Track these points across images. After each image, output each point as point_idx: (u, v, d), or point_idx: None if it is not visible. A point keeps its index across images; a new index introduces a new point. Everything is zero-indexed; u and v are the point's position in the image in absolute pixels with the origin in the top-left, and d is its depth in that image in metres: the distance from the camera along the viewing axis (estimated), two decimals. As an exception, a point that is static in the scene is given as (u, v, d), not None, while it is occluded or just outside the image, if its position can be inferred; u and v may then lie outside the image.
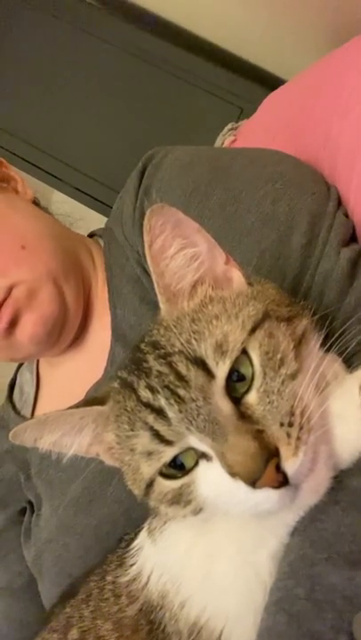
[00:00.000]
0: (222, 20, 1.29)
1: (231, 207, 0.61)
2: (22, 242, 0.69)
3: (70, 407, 0.48)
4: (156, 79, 1.41)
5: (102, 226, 0.86)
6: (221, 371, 0.41)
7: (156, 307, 0.48)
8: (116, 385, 0.47)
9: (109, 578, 0.52)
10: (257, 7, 1.15)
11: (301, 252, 0.57)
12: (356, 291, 0.55)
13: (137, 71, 1.42)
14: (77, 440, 0.48)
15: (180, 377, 0.41)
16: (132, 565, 0.50)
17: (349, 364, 0.48)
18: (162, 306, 0.46)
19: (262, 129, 0.97)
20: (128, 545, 0.53)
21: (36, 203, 0.83)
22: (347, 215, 0.63)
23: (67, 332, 0.73)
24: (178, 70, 1.39)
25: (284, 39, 1.19)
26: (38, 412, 0.79)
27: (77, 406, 0.49)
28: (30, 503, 0.74)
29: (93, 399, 0.49)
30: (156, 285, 0.45)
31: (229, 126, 1.16)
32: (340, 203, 0.63)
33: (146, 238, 0.43)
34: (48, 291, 0.69)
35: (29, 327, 0.68)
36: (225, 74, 1.37)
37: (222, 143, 1.14)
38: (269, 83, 1.27)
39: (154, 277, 0.45)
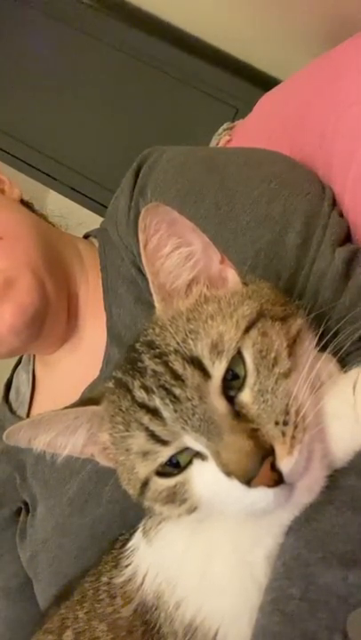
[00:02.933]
0: (218, 20, 1.29)
1: (226, 207, 0.61)
2: (1, 233, 0.69)
3: (65, 407, 0.48)
4: (152, 79, 1.41)
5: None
6: (218, 370, 0.41)
7: (151, 307, 0.48)
8: (110, 385, 0.47)
9: (104, 579, 0.52)
10: (253, 7, 1.15)
11: (296, 252, 0.57)
12: (351, 291, 0.55)
13: (133, 71, 1.42)
14: (72, 440, 0.48)
15: (175, 376, 0.40)
16: (127, 566, 0.50)
17: (344, 364, 0.48)
18: (157, 305, 0.46)
19: (257, 129, 0.97)
20: (123, 546, 0.53)
21: (28, 205, 0.83)
22: (342, 215, 0.63)
23: (49, 325, 0.71)
24: (173, 70, 1.39)
25: (280, 39, 1.19)
26: (34, 412, 0.79)
27: (72, 406, 0.48)
28: (25, 503, 0.74)
29: (88, 399, 0.49)
30: (151, 284, 0.45)
31: (225, 126, 1.16)
32: (334, 203, 0.64)
33: (141, 237, 0.43)
34: (26, 280, 0.67)
35: (7, 317, 0.67)
36: (221, 74, 1.37)
37: (218, 143, 1.14)
38: (265, 83, 1.27)
39: (149, 276, 0.45)
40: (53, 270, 0.71)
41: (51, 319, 0.71)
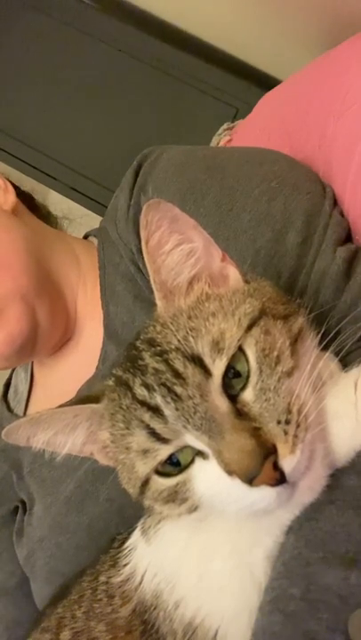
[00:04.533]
0: (218, 20, 1.29)
1: (227, 206, 0.61)
2: None
3: (62, 405, 0.48)
4: (153, 79, 1.41)
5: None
6: (218, 368, 0.40)
7: (150, 304, 0.48)
8: (110, 383, 0.47)
9: (102, 578, 0.51)
10: (253, 7, 1.15)
11: (297, 251, 0.57)
12: (352, 290, 0.55)
13: (133, 71, 1.42)
14: (71, 438, 0.47)
15: (176, 374, 0.40)
16: (125, 565, 0.50)
17: (345, 363, 0.48)
18: (158, 302, 0.46)
19: (258, 129, 0.97)
20: (121, 545, 0.53)
21: (28, 199, 0.82)
22: (342, 214, 0.63)
23: (41, 344, 0.72)
24: (174, 70, 1.39)
25: (280, 39, 1.19)
26: (31, 410, 0.79)
27: (70, 404, 0.48)
28: (22, 502, 0.73)
29: (87, 397, 0.48)
30: (152, 282, 0.45)
31: (225, 126, 1.16)
32: (335, 202, 0.64)
33: (142, 233, 0.43)
34: (16, 309, 0.67)
35: None
36: (221, 74, 1.37)
37: (218, 143, 1.14)
38: (265, 83, 1.27)
39: (150, 273, 0.44)
40: (45, 291, 0.71)
41: (42, 339, 0.71)
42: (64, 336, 0.75)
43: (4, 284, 0.67)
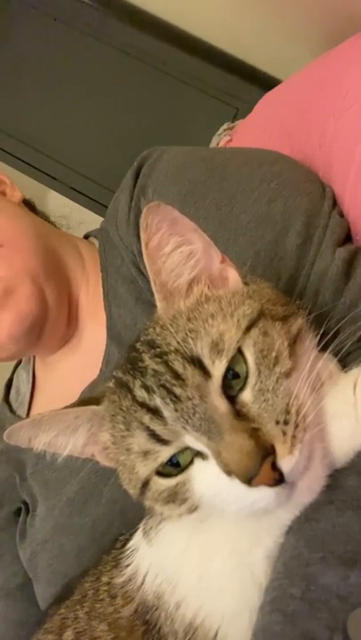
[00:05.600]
0: (219, 20, 1.29)
1: (226, 207, 0.61)
2: (1, 240, 0.69)
3: (65, 407, 0.48)
4: (153, 79, 1.41)
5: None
6: (218, 370, 0.41)
7: (151, 306, 0.48)
8: (111, 384, 0.47)
9: (105, 579, 0.52)
10: (253, 8, 1.15)
11: (297, 252, 0.57)
12: (352, 290, 0.55)
13: (133, 71, 1.42)
14: (72, 440, 0.47)
15: (176, 376, 0.40)
16: (127, 566, 0.50)
17: (345, 364, 0.48)
18: (158, 304, 0.46)
19: (258, 129, 0.97)
20: (123, 546, 0.53)
21: (30, 205, 0.83)
22: (342, 215, 0.63)
23: (49, 331, 0.72)
24: (174, 70, 1.39)
25: (280, 39, 1.19)
26: (33, 411, 0.79)
27: (72, 406, 0.48)
28: (25, 503, 0.74)
29: (89, 399, 0.48)
30: (152, 283, 0.45)
31: (225, 126, 1.16)
32: (335, 203, 0.64)
33: (143, 236, 0.43)
34: (26, 288, 0.68)
35: (7, 326, 0.68)
36: (221, 74, 1.37)
37: (218, 143, 1.14)
38: (265, 83, 1.27)
39: (150, 275, 0.45)
40: (53, 276, 0.72)
41: (50, 325, 0.71)
42: (68, 329, 0.75)
43: (15, 265, 0.68)
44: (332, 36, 0.83)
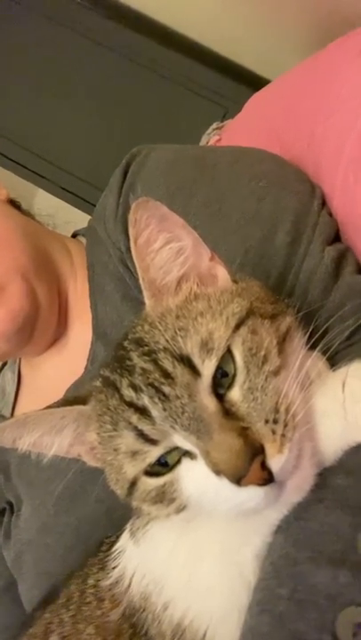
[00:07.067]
0: (208, 20, 1.29)
1: (215, 205, 0.60)
2: None
3: (49, 406, 0.47)
4: (142, 79, 1.40)
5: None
6: (208, 369, 0.40)
7: (138, 304, 0.47)
8: (98, 384, 0.46)
9: (91, 581, 0.51)
10: (243, 8, 1.15)
11: (286, 251, 0.57)
12: (340, 289, 0.55)
13: (123, 70, 1.41)
14: (58, 440, 0.47)
15: (165, 374, 0.40)
16: (114, 568, 0.49)
17: (333, 362, 0.48)
18: (147, 301, 0.45)
19: (247, 128, 0.97)
20: (110, 548, 0.52)
21: (16, 205, 0.82)
22: (331, 214, 0.63)
23: (40, 330, 0.71)
24: (164, 70, 1.39)
25: (270, 39, 1.20)
26: (18, 411, 0.78)
27: (57, 405, 0.47)
28: (10, 504, 0.73)
29: (75, 398, 0.48)
30: (141, 280, 0.45)
31: (214, 125, 1.16)
32: (324, 202, 0.64)
33: (131, 232, 0.42)
34: (17, 286, 0.67)
35: None
36: (210, 74, 1.37)
37: (207, 142, 1.14)
38: (254, 83, 1.27)
39: (139, 272, 0.44)
40: (43, 273, 0.71)
41: (41, 323, 0.71)
42: (58, 329, 0.75)
43: (5, 262, 0.68)
44: (322, 36, 0.83)
